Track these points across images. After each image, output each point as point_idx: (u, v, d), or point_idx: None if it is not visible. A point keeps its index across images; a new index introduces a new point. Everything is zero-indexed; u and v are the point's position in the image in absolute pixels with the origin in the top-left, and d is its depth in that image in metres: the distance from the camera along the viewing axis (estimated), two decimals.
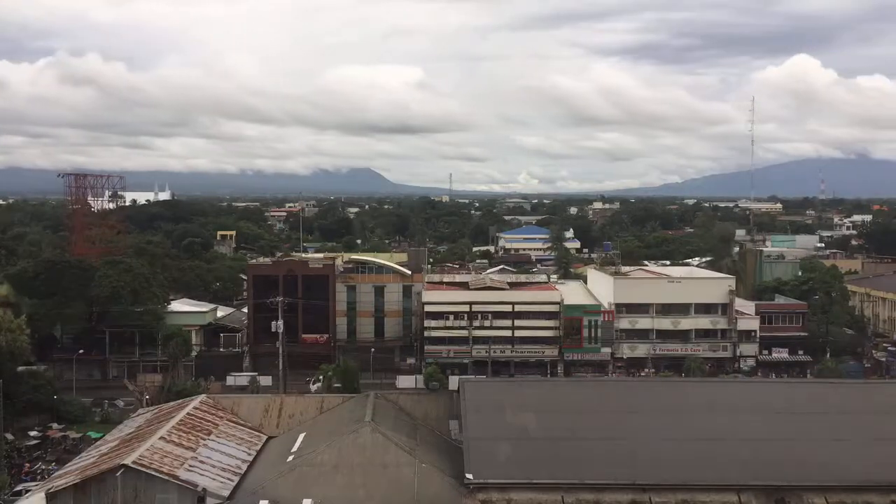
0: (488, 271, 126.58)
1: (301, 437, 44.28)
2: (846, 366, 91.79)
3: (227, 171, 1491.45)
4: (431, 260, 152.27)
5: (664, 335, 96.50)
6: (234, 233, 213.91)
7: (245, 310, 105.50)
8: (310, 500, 36.96)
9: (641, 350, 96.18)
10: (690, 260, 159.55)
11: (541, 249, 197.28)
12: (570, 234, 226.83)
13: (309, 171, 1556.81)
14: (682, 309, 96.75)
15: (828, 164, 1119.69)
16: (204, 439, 43.43)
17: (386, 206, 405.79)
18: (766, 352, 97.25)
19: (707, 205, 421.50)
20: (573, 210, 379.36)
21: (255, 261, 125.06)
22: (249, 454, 43.62)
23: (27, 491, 49.42)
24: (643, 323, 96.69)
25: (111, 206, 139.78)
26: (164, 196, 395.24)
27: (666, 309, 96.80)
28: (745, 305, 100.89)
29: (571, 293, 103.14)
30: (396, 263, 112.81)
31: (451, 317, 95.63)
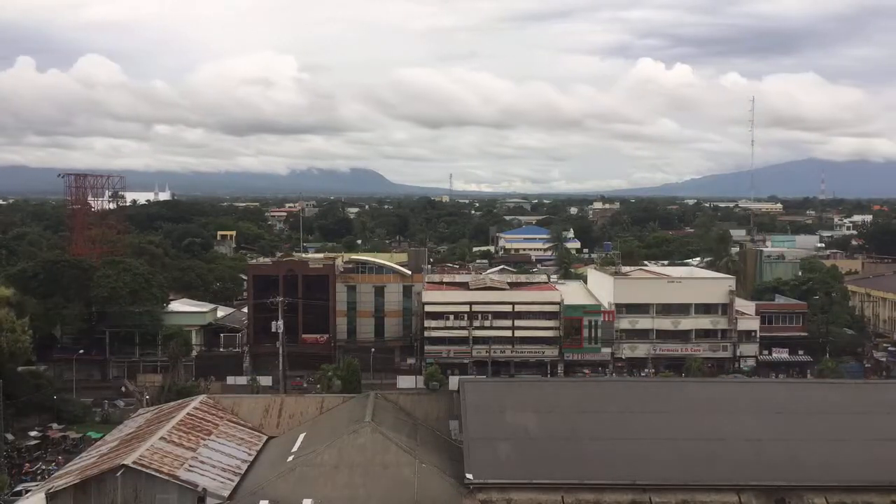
0: (488, 271, 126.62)
1: (301, 437, 44.24)
2: (846, 366, 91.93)
3: (202, 171, 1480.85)
4: (431, 260, 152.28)
5: (664, 335, 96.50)
6: (234, 233, 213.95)
7: (245, 310, 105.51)
8: (310, 501, 36.94)
9: (641, 350, 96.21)
10: (690, 260, 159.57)
11: (541, 249, 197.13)
12: (570, 234, 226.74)
13: (287, 171, 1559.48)
14: (682, 309, 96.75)
15: (828, 164, 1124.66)
16: (204, 439, 43.42)
17: (386, 206, 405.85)
18: (766, 352, 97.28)
19: (707, 205, 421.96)
20: (573, 210, 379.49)
21: (255, 261, 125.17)
22: (249, 454, 43.61)
23: (27, 491, 49.39)
24: (643, 323, 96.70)
25: (111, 206, 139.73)
26: (165, 196, 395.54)
27: (666, 309, 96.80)
28: (746, 305, 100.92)
29: (571, 293, 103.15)
30: (396, 263, 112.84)
31: (451, 317, 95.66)
